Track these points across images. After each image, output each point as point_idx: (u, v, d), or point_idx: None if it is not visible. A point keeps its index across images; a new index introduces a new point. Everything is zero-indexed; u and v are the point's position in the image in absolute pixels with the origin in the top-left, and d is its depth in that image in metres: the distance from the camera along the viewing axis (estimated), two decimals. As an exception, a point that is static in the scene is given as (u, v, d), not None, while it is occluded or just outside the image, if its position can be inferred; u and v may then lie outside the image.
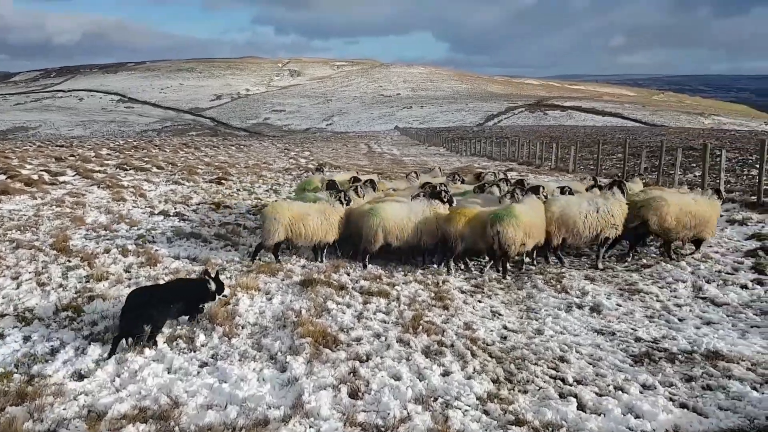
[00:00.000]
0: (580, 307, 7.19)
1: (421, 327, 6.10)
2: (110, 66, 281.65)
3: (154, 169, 23.38)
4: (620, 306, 7.24)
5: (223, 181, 19.49)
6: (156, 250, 9.66)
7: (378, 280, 8.19)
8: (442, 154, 47.60)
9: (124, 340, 5.52)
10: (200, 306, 6.12)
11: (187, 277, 7.51)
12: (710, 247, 10.09)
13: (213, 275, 6.25)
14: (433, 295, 7.55)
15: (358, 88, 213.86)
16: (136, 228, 11.39)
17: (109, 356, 5.34)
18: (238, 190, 17.99)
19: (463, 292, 7.87)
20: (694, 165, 26.99)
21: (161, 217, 12.92)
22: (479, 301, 7.45)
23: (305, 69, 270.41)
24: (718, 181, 15.39)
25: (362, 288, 7.65)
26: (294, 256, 9.62)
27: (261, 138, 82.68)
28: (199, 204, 15.02)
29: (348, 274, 8.44)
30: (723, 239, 10.71)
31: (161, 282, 7.37)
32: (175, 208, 14.37)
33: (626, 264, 9.27)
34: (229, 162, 29.22)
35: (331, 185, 11.06)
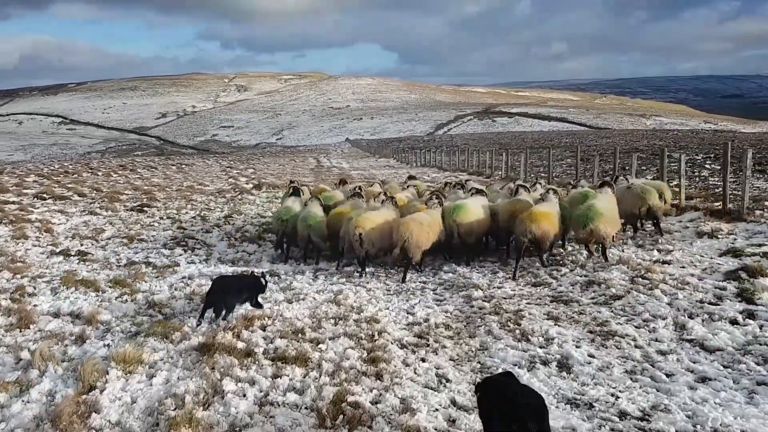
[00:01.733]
0: (545, 362, 5.80)
1: (342, 415, 4.59)
2: (50, 88, 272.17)
3: (75, 197, 21.29)
4: (593, 358, 5.89)
5: (145, 209, 17.61)
6: (34, 306, 7.94)
7: (299, 335, 6.65)
8: (392, 165, 46.33)
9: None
10: (258, 300, 7.60)
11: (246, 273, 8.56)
12: (683, 268, 8.93)
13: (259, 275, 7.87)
14: (365, 354, 6.06)
15: (307, 102, 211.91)
16: (20, 276, 9.55)
17: (198, 323, 6.97)
18: (161, 218, 16.16)
19: (403, 346, 6.40)
20: (644, 168, 26.39)
21: (60, 258, 11.12)
22: (423, 360, 6.00)
23: (252, 84, 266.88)
24: (678, 188, 14.43)
25: (276, 351, 6.09)
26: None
27: (206, 156, 79.98)
28: (110, 238, 13.20)
29: (264, 329, 6.88)
30: (695, 257, 9.57)
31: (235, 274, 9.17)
32: (81, 245, 12.57)
33: (593, 295, 7.98)
34: (161, 185, 27.19)
35: (296, 192, 12.43)
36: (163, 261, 10.87)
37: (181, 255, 11.44)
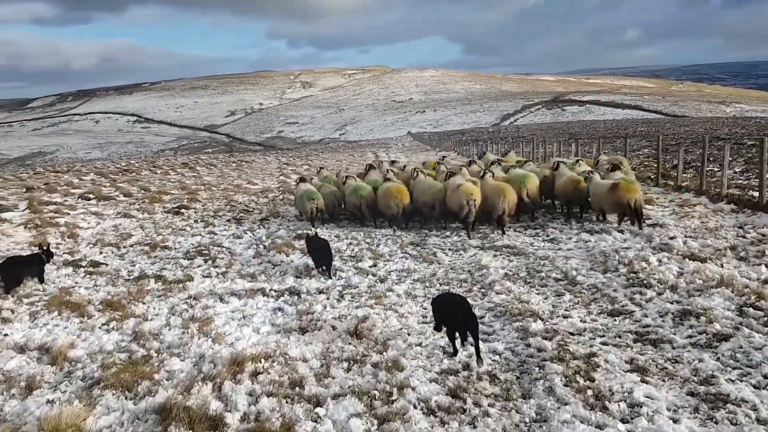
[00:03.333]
0: (630, 451, 4.04)
1: None
2: (125, 87, 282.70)
3: (120, 197, 20.67)
4: (701, 443, 4.09)
5: (183, 210, 16.60)
6: (4, 335, 6.79)
7: (297, 389, 5.12)
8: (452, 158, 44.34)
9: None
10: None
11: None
12: (808, 291, 6.86)
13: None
14: (375, 426, 4.47)
15: (370, 96, 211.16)
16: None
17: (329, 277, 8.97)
18: (196, 221, 15.06)
19: (430, 411, 4.76)
20: (731, 159, 23.47)
21: (68, 270, 10.07)
22: (454, 437, 4.35)
23: (317, 80, 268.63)
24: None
25: (257, 418, 4.57)
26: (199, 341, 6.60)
27: (269, 152, 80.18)
28: (133, 245, 12.15)
29: (255, 376, 5.37)
30: (820, 275, 7.46)
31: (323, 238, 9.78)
32: (101, 252, 11.60)
33: (690, 333, 6.06)
34: (212, 183, 26.42)
35: (303, 180, 15.07)
36: (176, 274, 9.61)
37: (199, 266, 10.17)
